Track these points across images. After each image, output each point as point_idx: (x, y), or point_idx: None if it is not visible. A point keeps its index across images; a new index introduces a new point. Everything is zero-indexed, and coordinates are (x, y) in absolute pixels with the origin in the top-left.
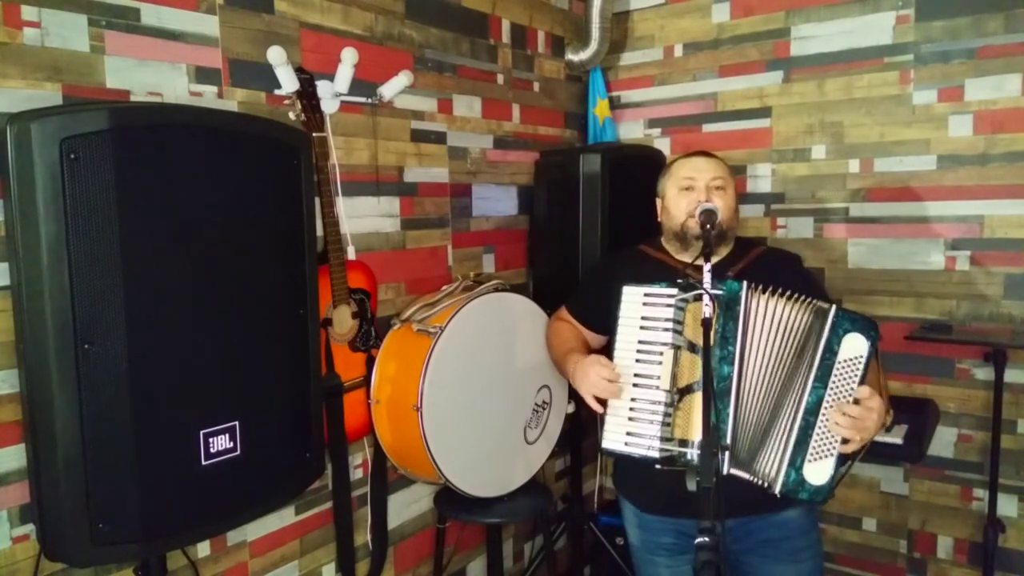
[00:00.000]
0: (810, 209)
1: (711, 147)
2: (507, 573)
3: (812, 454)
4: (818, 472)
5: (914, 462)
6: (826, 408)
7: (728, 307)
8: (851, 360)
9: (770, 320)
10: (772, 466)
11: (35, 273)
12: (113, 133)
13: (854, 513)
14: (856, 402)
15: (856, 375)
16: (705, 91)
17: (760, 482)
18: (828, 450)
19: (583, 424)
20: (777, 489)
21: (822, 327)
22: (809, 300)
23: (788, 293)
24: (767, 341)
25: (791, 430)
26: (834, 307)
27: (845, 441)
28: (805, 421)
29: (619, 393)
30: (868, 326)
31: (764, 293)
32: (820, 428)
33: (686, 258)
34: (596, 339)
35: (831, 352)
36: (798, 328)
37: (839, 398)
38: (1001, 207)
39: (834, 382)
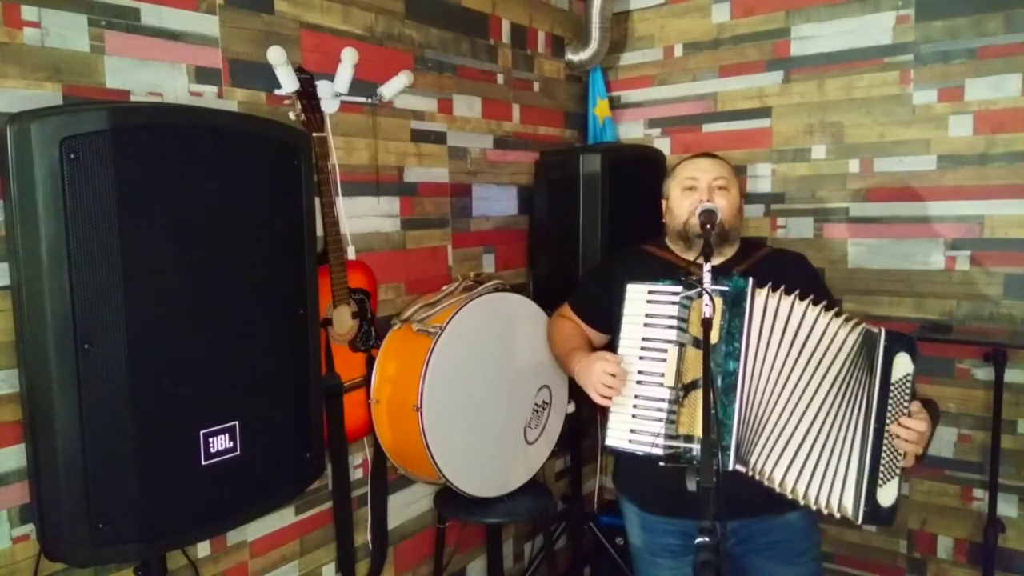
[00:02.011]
0: (810, 209)
1: (711, 147)
2: (507, 573)
3: (882, 479)
4: (887, 495)
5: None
6: (888, 431)
7: (734, 303)
8: (902, 380)
9: (784, 319)
10: (848, 498)
11: (35, 273)
12: (113, 133)
13: None
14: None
15: (907, 394)
16: (705, 91)
17: (830, 512)
18: (893, 471)
19: (583, 424)
20: (860, 521)
21: (874, 350)
22: (846, 315)
23: (806, 296)
24: (781, 340)
25: (863, 460)
26: (883, 331)
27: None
28: (875, 448)
29: (623, 389)
30: (911, 344)
31: (773, 292)
32: (885, 452)
33: (689, 258)
34: (599, 337)
35: (886, 375)
36: (838, 342)
37: (896, 419)
38: (1001, 207)
39: (891, 405)
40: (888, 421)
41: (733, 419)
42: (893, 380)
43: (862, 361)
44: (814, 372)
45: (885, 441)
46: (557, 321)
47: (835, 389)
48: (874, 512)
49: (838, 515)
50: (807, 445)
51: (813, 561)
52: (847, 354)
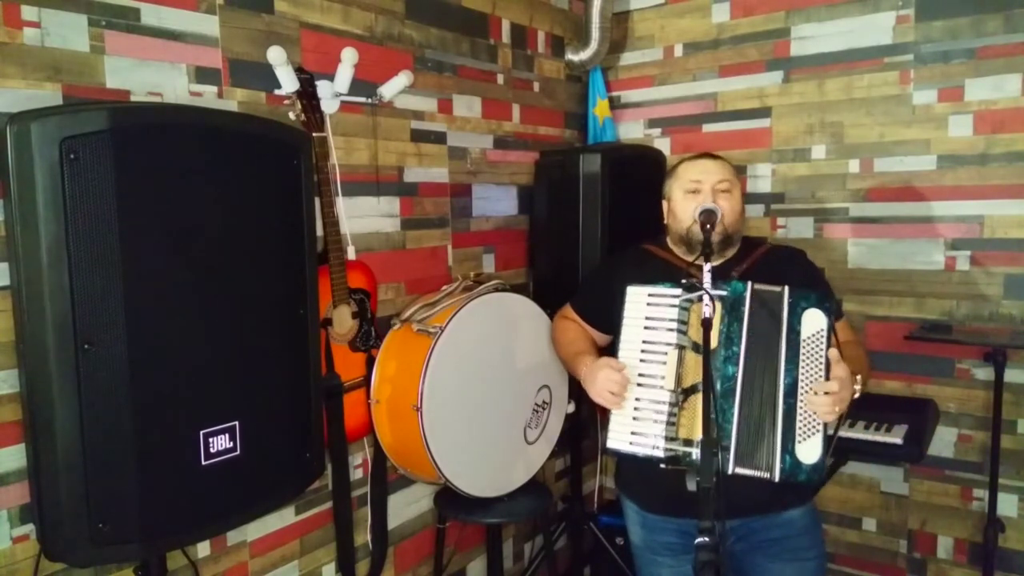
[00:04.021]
0: (810, 209)
1: (711, 147)
2: (507, 573)
3: (800, 434)
4: (809, 451)
5: (914, 462)
6: (803, 387)
7: (733, 307)
8: (814, 335)
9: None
10: (768, 454)
11: (35, 273)
12: (113, 133)
13: (854, 513)
14: (827, 369)
15: (822, 349)
16: (705, 91)
17: (761, 473)
18: (814, 427)
19: (583, 424)
20: (776, 476)
21: (779, 310)
22: (761, 288)
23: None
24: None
25: (776, 416)
26: (786, 288)
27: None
28: (787, 404)
29: (625, 396)
30: (822, 299)
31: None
32: (801, 407)
33: (691, 259)
34: (601, 338)
35: (795, 332)
36: (763, 316)
37: (811, 374)
38: (1001, 207)
39: (804, 360)
40: (803, 378)
41: (732, 423)
42: (804, 336)
43: (775, 321)
44: (770, 350)
45: (801, 398)
46: (560, 323)
47: (768, 353)
48: (795, 468)
49: (759, 474)
50: (762, 414)
51: (816, 559)
52: (765, 317)
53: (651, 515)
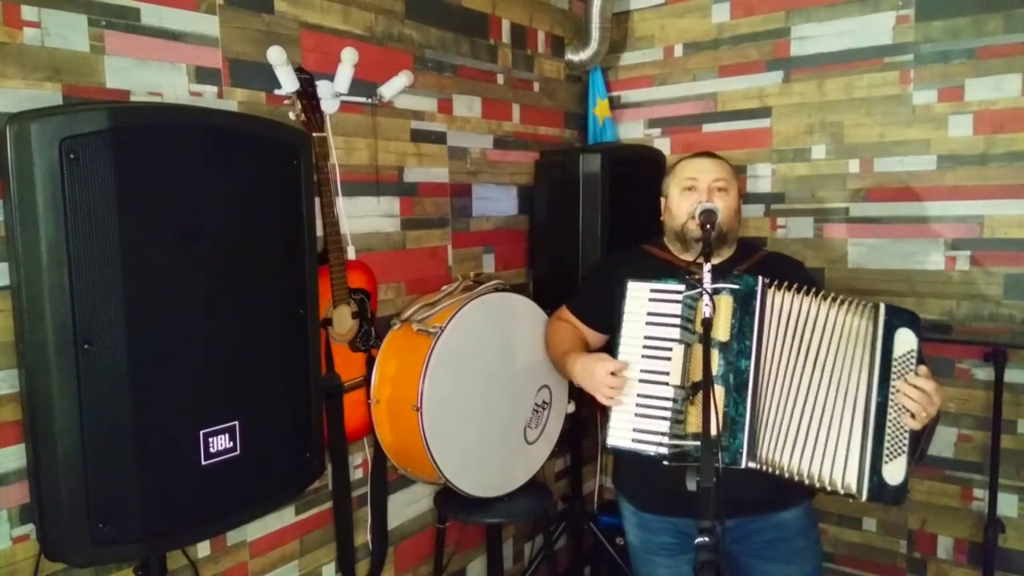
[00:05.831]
0: (810, 209)
1: (711, 147)
2: (507, 573)
3: (887, 455)
4: (894, 472)
5: (914, 462)
6: (891, 407)
7: (745, 302)
8: (905, 355)
9: (795, 315)
10: (851, 473)
11: (35, 273)
12: (113, 133)
13: (854, 513)
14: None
15: (911, 369)
16: (705, 91)
17: (835, 490)
18: (900, 448)
19: (583, 424)
20: (864, 497)
21: (874, 326)
22: (851, 300)
23: (816, 291)
24: (792, 336)
25: (865, 434)
26: (883, 305)
27: (913, 424)
28: (877, 423)
29: (625, 387)
30: (913, 319)
31: (782, 289)
32: (890, 428)
33: (688, 258)
34: (597, 338)
35: (888, 351)
36: (841, 327)
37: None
38: (1001, 207)
39: (894, 379)
40: (892, 398)
41: (745, 416)
42: (896, 356)
43: (865, 338)
44: (825, 361)
45: (890, 417)
46: (553, 323)
47: (839, 370)
48: (880, 489)
49: (842, 491)
50: (813, 427)
51: (812, 560)
52: (852, 335)
53: (647, 514)
